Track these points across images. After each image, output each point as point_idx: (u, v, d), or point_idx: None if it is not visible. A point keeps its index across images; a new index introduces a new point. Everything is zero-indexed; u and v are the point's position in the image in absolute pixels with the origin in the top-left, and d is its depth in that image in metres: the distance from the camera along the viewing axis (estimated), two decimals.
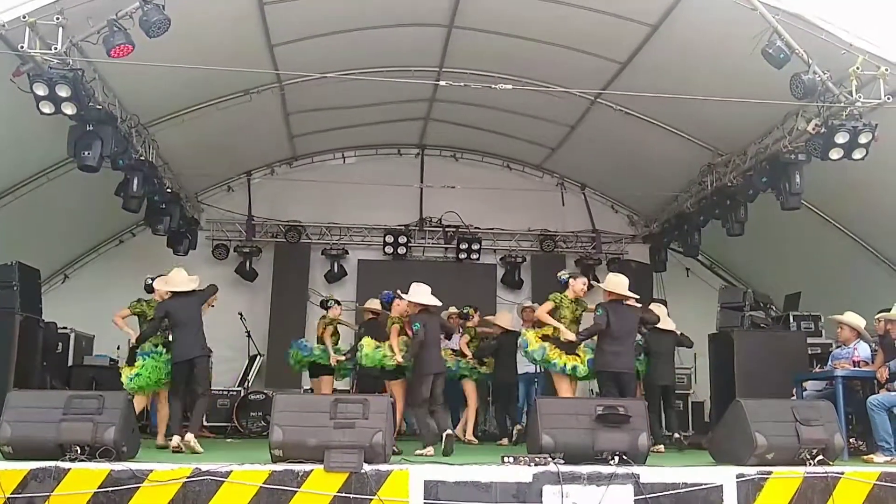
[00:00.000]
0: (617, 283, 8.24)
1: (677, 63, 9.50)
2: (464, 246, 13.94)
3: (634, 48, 9.63)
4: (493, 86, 9.22)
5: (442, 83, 9.87)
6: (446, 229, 14.15)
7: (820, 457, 5.95)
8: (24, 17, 7.10)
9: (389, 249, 13.83)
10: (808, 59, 7.86)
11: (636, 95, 9.97)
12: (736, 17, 7.88)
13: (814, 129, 8.71)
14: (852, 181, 9.71)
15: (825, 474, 5.71)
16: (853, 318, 8.45)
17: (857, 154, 8.47)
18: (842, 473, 5.74)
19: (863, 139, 8.34)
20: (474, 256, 13.98)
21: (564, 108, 11.67)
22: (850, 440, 8.00)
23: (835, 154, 8.52)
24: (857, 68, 7.91)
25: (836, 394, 7.72)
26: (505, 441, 9.81)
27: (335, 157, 14.23)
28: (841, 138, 8.37)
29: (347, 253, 13.88)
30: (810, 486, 5.66)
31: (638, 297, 8.42)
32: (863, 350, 8.26)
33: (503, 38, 9.98)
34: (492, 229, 14.25)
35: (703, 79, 9.36)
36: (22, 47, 7.27)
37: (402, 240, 13.83)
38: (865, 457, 7.42)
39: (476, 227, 14.13)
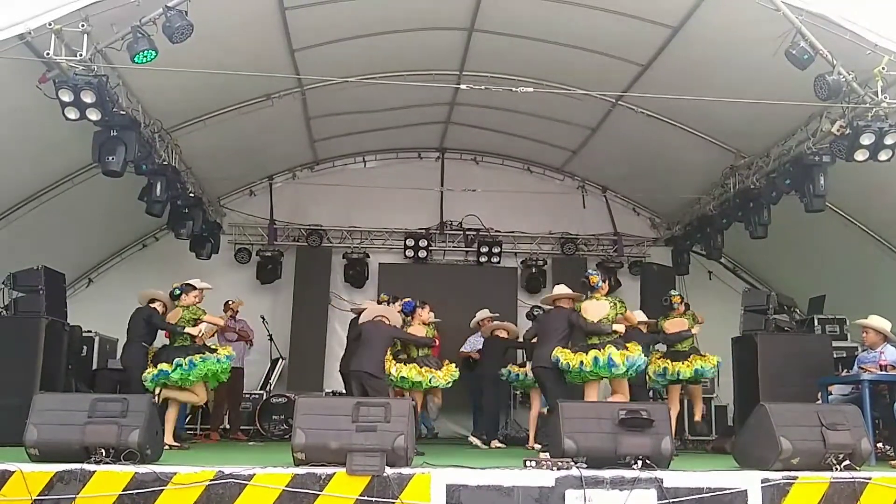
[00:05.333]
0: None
1: (699, 65, 9.44)
2: (484, 249, 13.91)
3: (656, 50, 9.59)
4: (513, 89, 9.23)
5: (462, 86, 9.89)
6: (467, 233, 14.14)
7: (846, 462, 5.86)
8: (50, 25, 7.18)
9: (410, 253, 13.84)
10: (833, 60, 7.78)
11: (658, 97, 9.92)
12: (758, 17, 7.81)
13: (838, 131, 8.62)
14: (877, 183, 9.60)
15: (852, 480, 5.64)
16: (879, 322, 8.35)
17: (884, 155, 8.38)
18: (869, 479, 5.66)
19: (889, 140, 8.26)
20: (495, 260, 13.95)
21: (585, 110, 11.64)
22: (878, 445, 7.89)
23: (860, 155, 8.43)
24: (883, 69, 7.81)
25: (862, 398, 7.62)
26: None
27: (356, 161, 14.28)
28: (866, 139, 8.28)
29: (368, 256, 13.90)
30: (837, 491, 5.58)
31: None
32: (889, 354, 8.15)
33: (524, 40, 9.97)
34: (512, 232, 14.23)
35: (726, 80, 9.29)
36: (48, 54, 7.35)
37: (423, 243, 13.83)
38: (893, 462, 7.33)
39: (497, 231, 14.11)
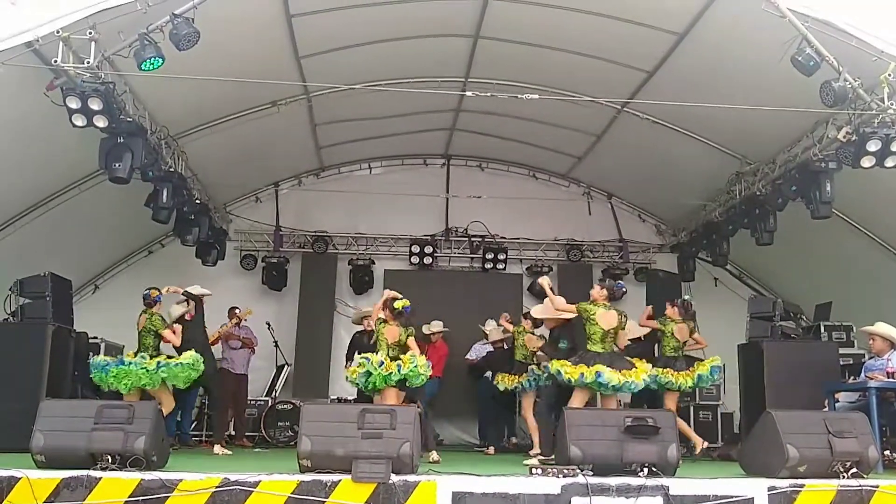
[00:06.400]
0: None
1: (705, 71, 9.44)
2: (489, 255, 13.90)
3: (661, 57, 9.59)
4: (519, 95, 9.24)
5: (468, 93, 9.90)
6: (472, 239, 14.13)
7: (854, 469, 5.85)
8: (58, 32, 7.21)
9: (415, 259, 13.84)
10: (839, 67, 7.77)
11: (663, 104, 9.92)
12: (764, 24, 7.80)
13: (844, 137, 8.60)
14: (884, 189, 9.57)
15: (859, 487, 5.62)
16: (885, 329, 8.33)
17: (890, 162, 8.36)
18: (876, 487, 5.64)
19: (895, 147, 8.24)
20: (500, 266, 13.93)
21: (591, 117, 11.63)
22: (885, 453, 7.86)
23: (866, 162, 8.42)
24: (889, 75, 7.78)
25: (869, 405, 7.59)
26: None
27: (362, 168, 14.30)
28: (873, 146, 8.27)
29: (374, 263, 13.91)
30: (844, 499, 5.57)
31: None
32: None
33: (529, 47, 9.98)
34: (518, 239, 14.21)
35: (731, 87, 9.29)
36: (55, 61, 7.38)
37: (428, 250, 13.82)
38: None
39: (502, 237, 14.11)
